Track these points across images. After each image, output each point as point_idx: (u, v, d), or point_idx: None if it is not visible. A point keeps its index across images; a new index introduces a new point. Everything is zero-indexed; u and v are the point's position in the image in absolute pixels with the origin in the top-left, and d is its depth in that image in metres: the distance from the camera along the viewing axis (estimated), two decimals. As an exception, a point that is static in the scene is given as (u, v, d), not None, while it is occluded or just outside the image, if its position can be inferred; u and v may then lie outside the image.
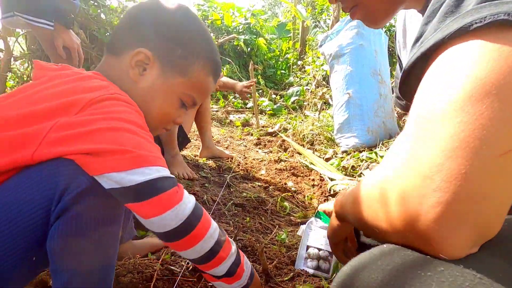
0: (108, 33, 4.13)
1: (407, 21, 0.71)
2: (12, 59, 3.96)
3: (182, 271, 0.73)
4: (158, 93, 0.61)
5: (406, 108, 0.85)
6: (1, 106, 0.52)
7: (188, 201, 0.51)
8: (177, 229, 0.49)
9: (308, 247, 0.90)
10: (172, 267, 0.77)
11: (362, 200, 0.40)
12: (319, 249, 0.89)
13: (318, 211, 0.98)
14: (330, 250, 0.90)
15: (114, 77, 0.59)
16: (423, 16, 0.60)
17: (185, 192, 0.52)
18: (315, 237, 0.91)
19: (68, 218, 0.45)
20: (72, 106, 0.49)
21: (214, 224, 0.55)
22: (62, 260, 0.46)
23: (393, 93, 0.88)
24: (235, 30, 5.34)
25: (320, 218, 0.94)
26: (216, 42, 5.04)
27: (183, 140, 1.78)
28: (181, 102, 0.64)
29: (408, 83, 0.41)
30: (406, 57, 0.73)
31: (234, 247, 0.58)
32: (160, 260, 0.78)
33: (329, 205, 0.98)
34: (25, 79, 4.11)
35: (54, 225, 0.45)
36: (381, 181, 0.36)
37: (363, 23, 0.59)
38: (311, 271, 0.87)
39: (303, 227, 0.94)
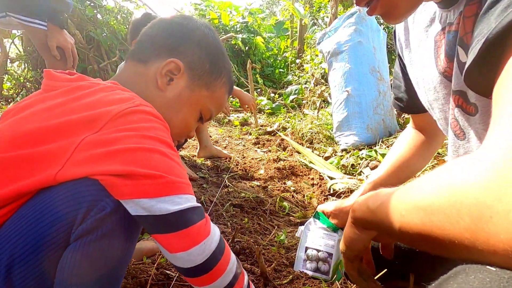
0: (104, 34, 4.11)
1: (409, 20, 0.69)
2: (8, 61, 3.94)
3: (177, 275, 0.71)
4: (184, 104, 0.62)
5: (405, 110, 0.82)
6: (16, 121, 0.49)
7: (214, 233, 0.49)
8: (202, 264, 0.46)
9: (306, 248, 0.88)
10: (167, 271, 0.75)
11: (429, 207, 0.30)
12: (318, 251, 0.88)
13: (317, 211, 0.96)
14: (329, 252, 0.88)
15: (138, 85, 0.58)
16: (443, 8, 0.55)
17: (212, 223, 0.50)
18: (314, 238, 0.89)
19: (88, 241, 0.43)
20: (96, 120, 0.46)
21: (233, 257, 0.53)
22: (71, 280, 0.44)
23: (392, 93, 0.85)
24: (232, 29, 5.31)
25: (319, 219, 0.92)
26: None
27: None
28: (200, 115, 0.65)
29: (489, 58, 0.34)
30: (409, 56, 0.71)
31: (246, 279, 0.56)
32: (156, 264, 0.76)
33: (328, 206, 0.96)
34: (22, 81, 4.09)
35: (72, 245, 0.43)
36: (475, 183, 0.26)
37: (383, 18, 0.55)
38: (310, 273, 0.85)
39: (301, 228, 0.92)
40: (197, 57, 0.62)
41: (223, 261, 0.49)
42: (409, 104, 0.78)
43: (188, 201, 0.46)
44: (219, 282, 0.50)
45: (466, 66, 0.38)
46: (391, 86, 0.80)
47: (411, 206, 0.33)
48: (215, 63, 0.64)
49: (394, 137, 2.15)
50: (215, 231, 0.49)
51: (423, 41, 0.64)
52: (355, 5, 0.64)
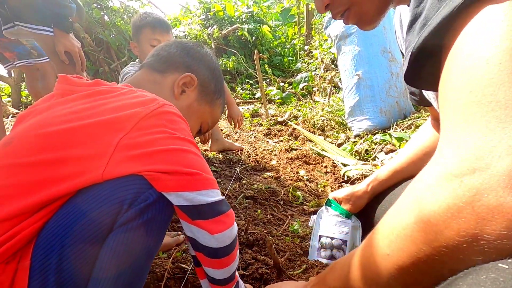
0: (113, 35, 4.17)
1: (402, 15, 0.69)
2: (24, 68, 4.06)
3: (191, 268, 0.73)
4: (192, 114, 0.71)
5: (420, 103, 0.80)
6: (39, 123, 0.51)
7: (235, 222, 0.57)
8: (229, 246, 0.54)
9: (320, 237, 0.88)
10: (182, 265, 0.77)
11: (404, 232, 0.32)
12: (332, 238, 0.87)
13: (328, 199, 0.95)
14: (343, 239, 0.87)
15: (153, 91, 0.63)
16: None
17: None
18: (327, 226, 0.88)
19: (130, 227, 0.46)
20: (125, 122, 0.50)
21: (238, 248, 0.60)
22: (109, 264, 0.46)
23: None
24: (238, 20, 5.25)
25: (331, 206, 0.91)
26: (220, 34, 4.98)
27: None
28: (200, 128, 0.76)
29: (418, 67, 0.39)
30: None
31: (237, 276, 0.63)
32: (171, 258, 0.78)
33: (339, 192, 0.95)
34: (38, 87, 4.23)
35: (115, 231, 0.46)
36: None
37: (358, 27, 0.59)
38: (324, 261, 0.84)
39: (313, 217, 0.92)
40: (207, 77, 0.73)
41: (236, 248, 0.57)
42: (422, 97, 0.77)
43: (219, 195, 0.53)
44: (231, 267, 0.57)
45: (403, 73, 0.43)
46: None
47: (394, 239, 0.33)
48: (218, 85, 0.76)
49: (409, 119, 2.08)
50: (235, 223, 0.57)
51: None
52: (325, 31, 0.70)
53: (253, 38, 5.07)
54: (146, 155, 0.48)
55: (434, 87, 0.40)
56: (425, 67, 0.40)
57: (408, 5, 0.57)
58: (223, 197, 0.54)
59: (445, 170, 0.30)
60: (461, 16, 0.32)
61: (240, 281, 0.64)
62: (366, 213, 0.91)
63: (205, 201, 0.50)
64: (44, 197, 0.45)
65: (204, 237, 0.52)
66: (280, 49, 5.53)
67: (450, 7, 0.32)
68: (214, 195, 0.52)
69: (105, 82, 0.60)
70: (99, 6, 4.16)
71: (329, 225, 0.89)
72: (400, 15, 0.69)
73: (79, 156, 0.47)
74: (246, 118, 3.10)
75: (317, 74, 3.74)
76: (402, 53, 0.76)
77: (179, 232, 0.99)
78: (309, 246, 0.91)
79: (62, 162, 0.47)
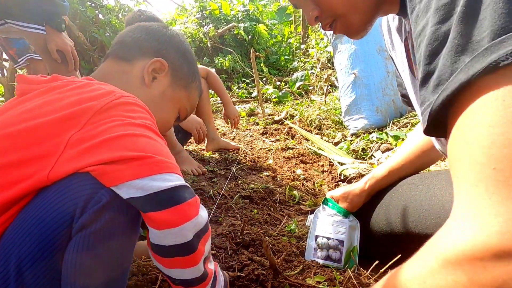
0: (107, 34, 4.12)
1: (390, 20, 0.69)
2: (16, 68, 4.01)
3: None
4: (167, 101, 0.67)
5: (412, 105, 0.80)
6: None
7: (203, 214, 0.50)
8: (190, 242, 0.46)
9: (317, 237, 0.87)
10: (177, 267, 0.75)
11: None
12: (328, 238, 0.86)
13: (325, 198, 0.94)
14: (340, 239, 0.86)
15: (121, 81, 0.61)
16: (403, 17, 0.58)
17: (201, 206, 0.51)
18: (323, 226, 0.88)
19: (88, 233, 0.43)
20: (79, 117, 0.47)
21: (210, 252, 0.55)
22: (75, 275, 0.44)
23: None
24: (234, 18, 5.23)
25: (328, 205, 0.90)
26: (216, 33, 4.96)
27: (184, 136, 1.76)
28: (178, 115, 0.71)
29: (437, 123, 0.39)
30: (395, 57, 0.70)
31: (219, 278, 0.58)
32: (165, 260, 0.76)
33: (336, 191, 0.94)
34: (32, 87, 4.18)
35: (73, 239, 0.44)
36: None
37: (347, 36, 0.60)
38: (321, 261, 0.84)
39: (310, 217, 0.91)
40: (177, 60, 0.69)
41: (205, 239, 0.50)
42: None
43: (179, 179, 0.47)
44: (198, 268, 0.50)
45: (423, 129, 0.42)
46: (397, 83, 0.80)
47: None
48: (191, 68, 0.72)
49: (405, 118, 2.08)
50: (204, 212, 0.51)
51: (399, 44, 0.66)
52: (321, 30, 0.70)
53: (249, 37, 5.06)
54: (93, 147, 0.44)
55: None
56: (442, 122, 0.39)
57: (397, 14, 0.58)
58: (187, 184, 0.48)
59: (465, 247, 0.27)
60: (476, 84, 0.31)
61: (220, 274, 0.59)
62: (364, 212, 0.90)
63: (158, 187, 0.44)
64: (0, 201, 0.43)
65: (155, 235, 0.46)
66: (276, 48, 5.52)
67: (466, 74, 0.32)
68: (173, 179, 0.45)
69: (63, 77, 0.57)
70: (93, 5, 4.12)
71: (326, 225, 0.88)
72: (387, 20, 0.70)
73: (30, 157, 0.45)
74: (242, 117, 3.09)
75: (313, 73, 3.74)
76: (390, 56, 0.76)
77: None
78: (305, 246, 0.90)
79: (15, 164, 0.44)
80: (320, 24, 0.60)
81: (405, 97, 0.79)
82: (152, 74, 0.65)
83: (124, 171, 0.44)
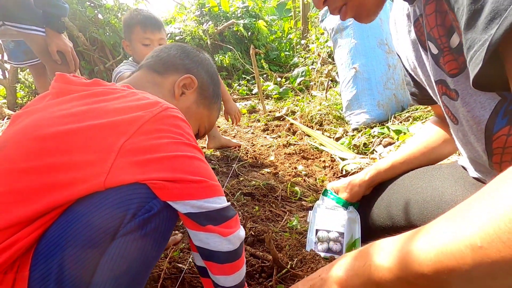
0: (107, 33, 4.12)
1: (395, 13, 0.68)
2: (18, 69, 4.03)
3: (187, 267, 0.72)
4: (191, 116, 0.70)
5: (421, 103, 0.80)
6: (32, 124, 0.48)
7: (241, 227, 0.56)
8: (239, 248, 0.53)
9: (317, 231, 0.87)
10: (179, 265, 0.76)
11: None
12: (328, 231, 0.87)
13: (325, 189, 0.94)
14: (340, 231, 0.87)
15: (153, 91, 0.63)
16: (409, 4, 0.57)
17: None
18: (323, 219, 0.88)
19: (133, 237, 0.45)
20: (130, 125, 0.49)
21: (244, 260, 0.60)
22: (111, 270, 0.45)
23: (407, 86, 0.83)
24: (233, 15, 5.20)
25: (327, 196, 0.91)
26: (215, 30, 4.94)
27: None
28: (197, 131, 0.75)
29: (494, 66, 0.35)
30: (403, 51, 0.69)
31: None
32: (168, 258, 0.77)
33: (337, 182, 0.94)
34: (34, 88, 4.20)
35: (117, 241, 0.45)
36: None
37: (356, 20, 0.59)
38: (322, 254, 0.84)
39: (311, 212, 0.91)
40: (206, 80, 0.73)
41: (243, 253, 0.57)
42: (423, 97, 0.77)
43: (225, 201, 0.53)
44: (239, 274, 0.56)
45: (472, 76, 0.37)
46: (405, 82, 0.79)
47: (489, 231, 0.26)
48: (216, 90, 0.76)
49: (407, 112, 2.07)
50: (241, 226, 0.57)
51: (406, 35, 0.64)
52: (320, 24, 0.68)
53: (249, 33, 5.03)
54: (150, 162, 0.47)
55: (507, 87, 0.36)
56: (498, 66, 0.35)
57: (405, 0, 0.56)
58: (229, 203, 0.54)
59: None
60: None
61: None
62: (366, 206, 0.90)
63: (213, 207, 0.50)
64: (44, 205, 0.44)
65: (215, 241, 0.51)
66: (276, 44, 5.49)
67: None
68: (222, 202, 0.52)
69: (104, 82, 0.58)
70: (92, 4, 4.11)
71: (325, 218, 0.88)
72: (394, 16, 0.69)
73: (79, 161, 0.45)
74: (243, 114, 3.09)
75: (314, 68, 3.72)
76: (397, 53, 0.75)
77: (176, 232, 0.98)
78: (307, 241, 0.90)
79: (62, 168, 0.45)
80: (328, 8, 0.58)
81: (415, 95, 0.78)
82: (182, 89, 0.69)
83: (183, 190, 0.48)
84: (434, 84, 0.61)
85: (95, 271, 0.45)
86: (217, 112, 0.79)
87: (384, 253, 0.36)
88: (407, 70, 0.76)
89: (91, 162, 0.45)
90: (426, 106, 1.25)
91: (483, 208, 0.27)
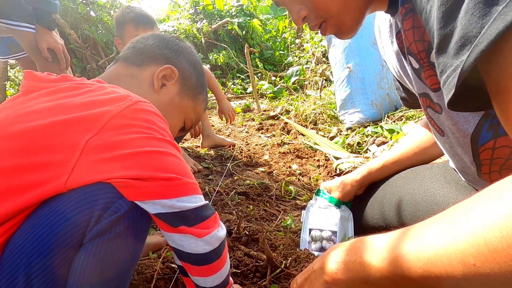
0: (99, 31, 4.07)
1: (379, 22, 0.68)
2: (8, 67, 3.95)
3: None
4: (174, 109, 0.67)
5: (412, 107, 0.81)
6: None
7: (222, 225, 0.54)
8: (218, 248, 0.51)
9: (310, 230, 0.88)
10: (173, 265, 0.75)
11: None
12: (321, 230, 0.87)
13: (318, 189, 0.95)
14: (332, 230, 0.87)
15: (130, 85, 0.59)
16: (391, 16, 0.57)
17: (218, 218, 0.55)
18: (316, 218, 0.89)
19: (102, 241, 0.43)
20: (94, 121, 0.45)
21: (228, 260, 0.57)
22: (83, 281, 0.44)
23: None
24: (228, 14, 5.18)
25: (319, 195, 0.91)
26: (210, 28, 4.91)
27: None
28: (183, 124, 0.71)
29: (467, 89, 0.35)
30: (390, 56, 0.69)
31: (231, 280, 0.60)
32: (161, 258, 0.77)
33: (330, 182, 0.95)
34: (24, 86, 4.12)
35: (86, 246, 0.43)
36: None
37: (336, 37, 0.59)
38: (316, 253, 0.84)
39: (304, 212, 0.92)
40: (187, 70, 0.69)
41: (226, 252, 0.54)
42: (413, 101, 0.78)
43: (202, 200, 0.50)
44: (225, 269, 0.54)
45: (447, 100, 0.38)
46: (395, 87, 0.79)
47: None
48: (200, 79, 0.72)
49: (400, 111, 2.09)
50: (222, 225, 0.55)
51: (389, 45, 0.65)
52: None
53: (244, 32, 5.02)
54: (117, 159, 0.44)
55: (483, 107, 0.37)
56: (471, 89, 0.36)
57: (385, 11, 0.57)
58: (207, 201, 0.51)
59: None
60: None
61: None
62: (359, 207, 0.91)
63: (186, 207, 0.47)
64: (7, 209, 0.41)
65: (190, 243, 0.48)
66: (271, 43, 5.49)
67: (505, 21, 0.28)
68: (197, 200, 0.48)
69: (73, 78, 0.55)
70: (84, 1, 4.05)
71: (318, 217, 0.89)
72: (379, 26, 0.69)
73: (42, 161, 0.43)
74: (238, 113, 3.08)
75: (308, 68, 3.73)
76: (384, 60, 0.76)
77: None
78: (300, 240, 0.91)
79: (26, 168, 0.42)
80: (309, 26, 0.58)
81: (405, 100, 0.79)
82: (162, 80, 0.65)
83: (152, 189, 0.45)
84: (418, 96, 0.61)
85: (67, 278, 0.43)
86: (203, 103, 0.74)
87: (375, 253, 0.37)
88: (395, 76, 0.76)
89: (54, 162, 0.43)
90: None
91: (477, 221, 0.27)
